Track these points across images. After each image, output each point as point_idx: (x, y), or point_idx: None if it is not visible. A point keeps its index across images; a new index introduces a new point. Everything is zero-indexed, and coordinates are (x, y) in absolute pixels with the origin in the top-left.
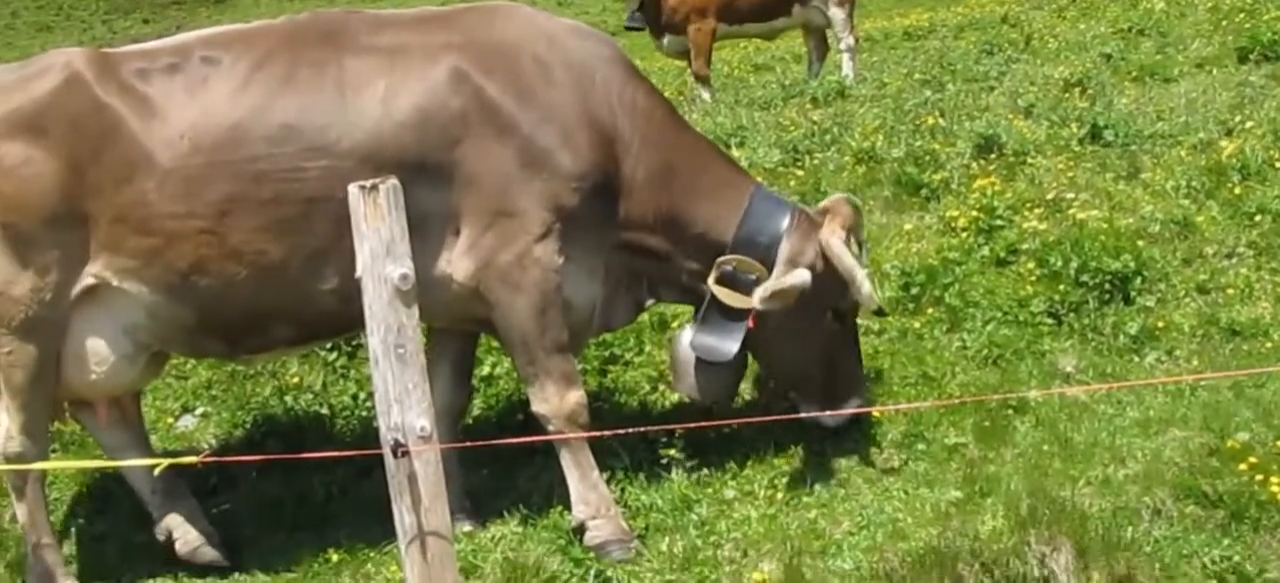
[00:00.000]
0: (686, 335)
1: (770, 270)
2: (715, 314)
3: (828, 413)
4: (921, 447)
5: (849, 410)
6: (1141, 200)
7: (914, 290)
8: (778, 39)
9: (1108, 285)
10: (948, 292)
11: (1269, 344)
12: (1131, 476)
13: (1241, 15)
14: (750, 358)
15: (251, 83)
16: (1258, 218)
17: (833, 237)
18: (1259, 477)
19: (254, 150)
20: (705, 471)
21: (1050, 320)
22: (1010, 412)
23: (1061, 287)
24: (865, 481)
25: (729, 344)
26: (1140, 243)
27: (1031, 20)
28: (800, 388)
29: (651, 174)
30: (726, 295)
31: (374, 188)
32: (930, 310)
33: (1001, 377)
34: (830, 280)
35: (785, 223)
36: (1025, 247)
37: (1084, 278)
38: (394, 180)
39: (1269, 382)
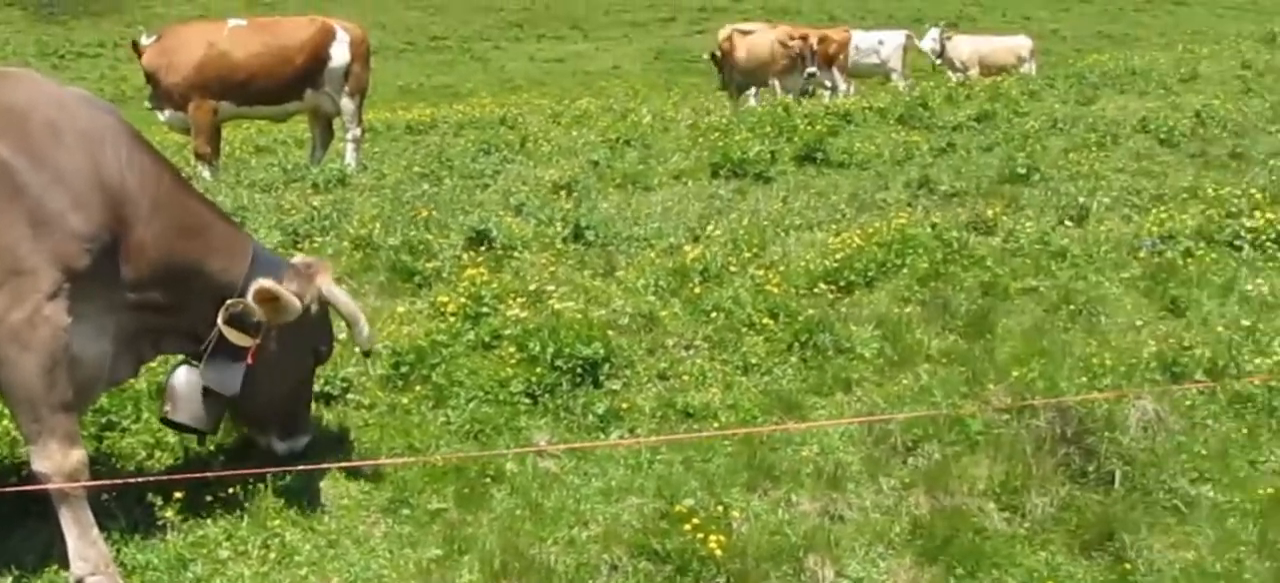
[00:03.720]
0: (183, 372)
1: None
2: (221, 351)
3: (283, 444)
4: (406, 511)
5: (303, 439)
6: (614, 295)
7: (403, 369)
8: (285, 123)
9: (580, 370)
10: (435, 371)
11: (716, 424)
12: (594, 536)
13: (716, 134)
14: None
15: None
16: (713, 315)
17: (332, 285)
18: (701, 536)
19: None
20: (201, 532)
21: (527, 400)
22: (488, 480)
23: (538, 369)
24: (353, 541)
25: (234, 378)
26: (610, 333)
27: (528, 123)
28: (270, 421)
29: (160, 235)
30: (233, 334)
31: None
32: (418, 388)
33: (482, 449)
34: (318, 326)
35: (283, 272)
36: (508, 332)
37: (558, 362)
38: None
39: (713, 455)
